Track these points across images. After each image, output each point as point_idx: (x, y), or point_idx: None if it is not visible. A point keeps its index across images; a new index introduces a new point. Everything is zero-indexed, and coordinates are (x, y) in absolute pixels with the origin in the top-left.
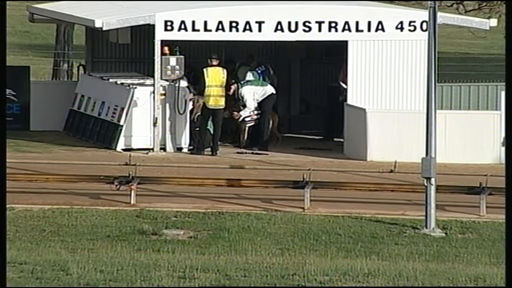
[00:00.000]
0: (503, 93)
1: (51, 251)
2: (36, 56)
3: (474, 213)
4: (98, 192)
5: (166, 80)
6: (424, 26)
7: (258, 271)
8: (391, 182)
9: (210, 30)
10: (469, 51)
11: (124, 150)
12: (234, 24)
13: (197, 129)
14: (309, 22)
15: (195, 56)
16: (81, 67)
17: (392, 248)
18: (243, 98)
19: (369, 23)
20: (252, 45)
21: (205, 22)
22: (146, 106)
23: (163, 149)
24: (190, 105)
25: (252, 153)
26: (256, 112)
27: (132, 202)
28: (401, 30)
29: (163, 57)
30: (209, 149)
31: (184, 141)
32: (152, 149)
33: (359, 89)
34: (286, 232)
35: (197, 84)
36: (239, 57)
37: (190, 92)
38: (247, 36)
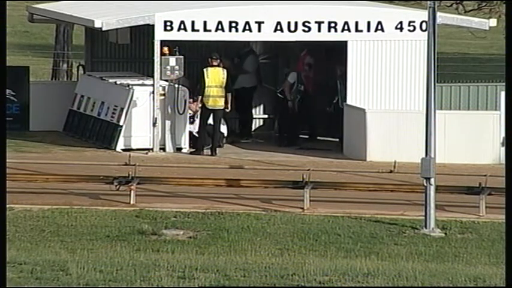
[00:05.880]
0: (503, 93)
1: (50, 251)
2: (36, 56)
3: (474, 214)
4: (97, 193)
5: (166, 80)
6: (424, 26)
7: (257, 271)
8: (390, 182)
9: (210, 31)
10: (469, 51)
11: (123, 150)
12: (233, 25)
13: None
14: (309, 22)
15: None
16: (80, 67)
17: (392, 248)
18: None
19: (369, 23)
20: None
21: (205, 22)
22: (146, 106)
23: (163, 149)
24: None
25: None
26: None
27: (131, 202)
28: (401, 31)
29: (162, 57)
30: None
31: (184, 141)
32: (152, 149)
33: (359, 89)
34: (285, 232)
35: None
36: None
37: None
38: (246, 37)
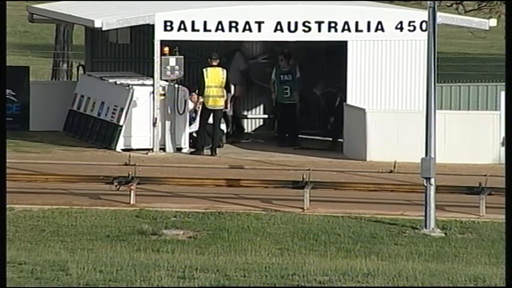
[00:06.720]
0: (503, 93)
1: (50, 251)
2: (36, 56)
3: (474, 213)
4: (97, 193)
5: (166, 80)
6: (424, 26)
7: (257, 271)
8: (390, 182)
9: (210, 31)
10: (469, 51)
11: (123, 150)
12: (233, 24)
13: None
14: (309, 22)
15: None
16: (80, 67)
17: (392, 248)
18: None
19: (369, 23)
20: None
21: (205, 22)
22: (146, 106)
23: (163, 149)
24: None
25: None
26: None
27: (131, 202)
28: (401, 30)
29: (162, 57)
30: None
31: (184, 141)
32: (152, 149)
33: (359, 89)
34: (285, 232)
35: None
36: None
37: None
38: (247, 36)
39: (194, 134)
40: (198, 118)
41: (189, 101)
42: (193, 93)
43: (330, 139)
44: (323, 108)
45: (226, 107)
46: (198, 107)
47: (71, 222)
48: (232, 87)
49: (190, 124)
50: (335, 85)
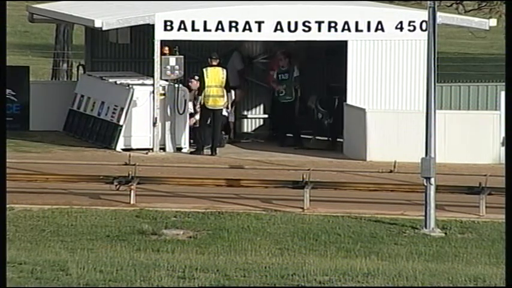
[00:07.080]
0: (503, 93)
1: (50, 251)
2: (36, 56)
3: (474, 213)
4: (97, 192)
5: (166, 80)
6: (424, 26)
7: (257, 271)
8: (390, 182)
9: (210, 30)
10: (469, 51)
11: (123, 150)
12: (233, 24)
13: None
14: (309, 22)
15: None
16: (80, 67)
17: (392, 248)
18: None
19: (369, 23)
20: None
21: (205, 22)
22: (146, 106)
23: (163, 149)
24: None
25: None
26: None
27: (131, 202)
28: (401, 30)
29: (162, 57)
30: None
31: (184, 141)
32: (152, 149)
33: (359, 89)
34: (285, 232)
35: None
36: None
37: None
38: (247, 36)
39: (196, 125)
40: (198, 111)
41: (190, 86)
42: (193, 80)
43: (329, 139)
44: (319, 118)
45: (227, 108)
46: (198, 107)
47: (71, 222)
48: (233, 92)
49: (191, 117)
50: (334, 86)
